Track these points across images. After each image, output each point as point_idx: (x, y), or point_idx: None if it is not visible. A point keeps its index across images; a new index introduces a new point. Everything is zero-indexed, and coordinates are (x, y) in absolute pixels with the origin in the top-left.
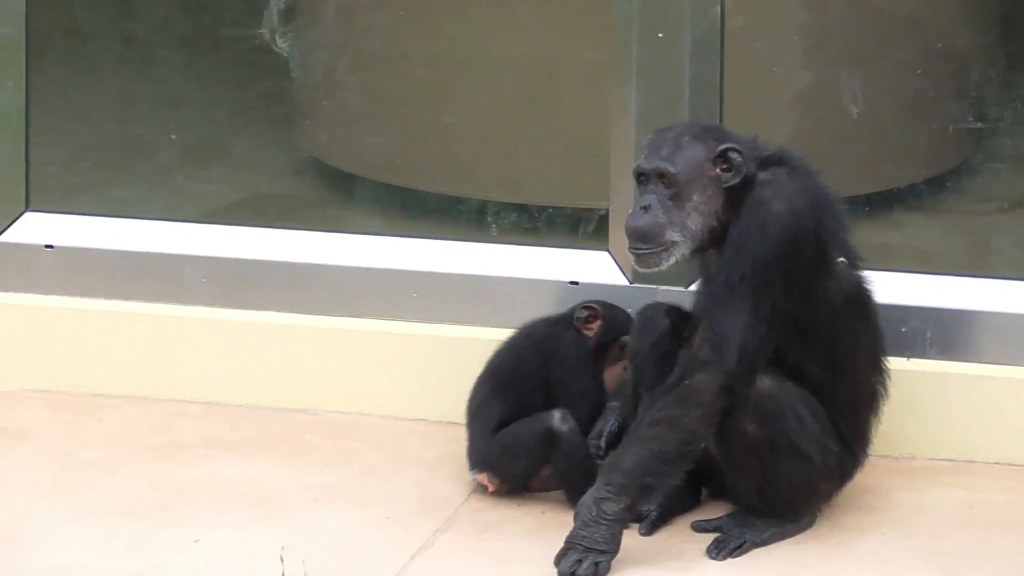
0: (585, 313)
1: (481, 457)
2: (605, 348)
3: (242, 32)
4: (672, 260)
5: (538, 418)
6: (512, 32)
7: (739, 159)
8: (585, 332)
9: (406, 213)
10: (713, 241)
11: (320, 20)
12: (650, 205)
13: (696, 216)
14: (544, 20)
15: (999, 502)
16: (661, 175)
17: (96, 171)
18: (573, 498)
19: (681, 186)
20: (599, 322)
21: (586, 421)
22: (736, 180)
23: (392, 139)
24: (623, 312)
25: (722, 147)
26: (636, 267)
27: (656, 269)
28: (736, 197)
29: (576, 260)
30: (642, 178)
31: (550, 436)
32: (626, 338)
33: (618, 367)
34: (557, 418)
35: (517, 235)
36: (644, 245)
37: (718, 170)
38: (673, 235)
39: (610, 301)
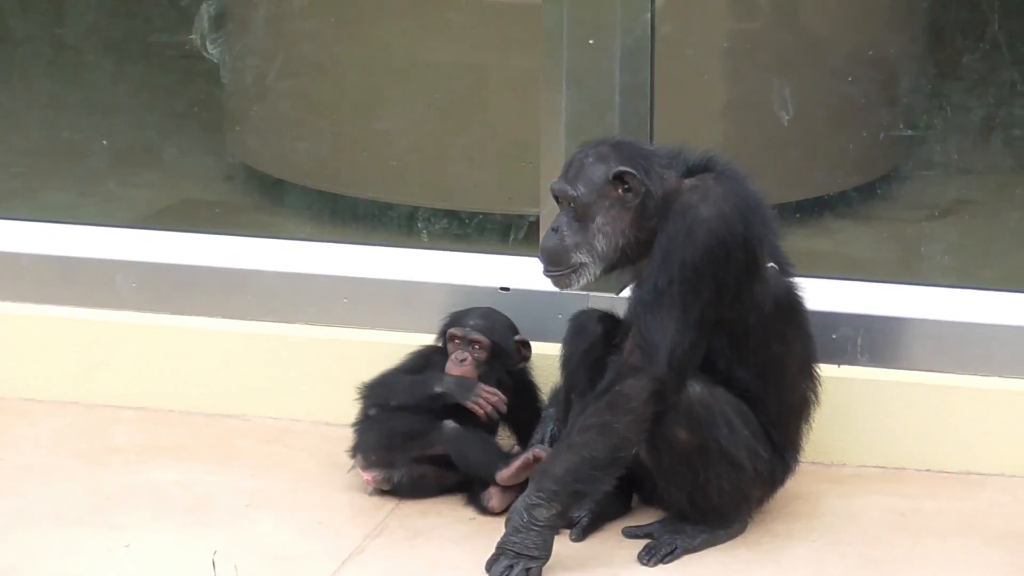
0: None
1: None
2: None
3: (172, 38)
4: (583, 281)
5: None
6: (442, 39)
7: (636, 179)
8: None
9: (337, 219)
10: (636, 255)
11: (250, 26)
12: (558, 227)
13: (601, 238)
14: (474, 27)
15: (929, 509)
16: (566, 197)
17: (27, 176)
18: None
19: (583, 208)
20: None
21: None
22: (636, 201)
23: (322, 145)
24: (462, 310)
25: (616, 170)
26: (555, 287)
27: (569, 290)
28: (661, 205)
29: (507, 266)
30: (555, 198)
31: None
32: (452, 329)
33: (452, 359)
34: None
35: (448, 241)
36: (553, 267)
37: (619, 191)
38: (580, 256)
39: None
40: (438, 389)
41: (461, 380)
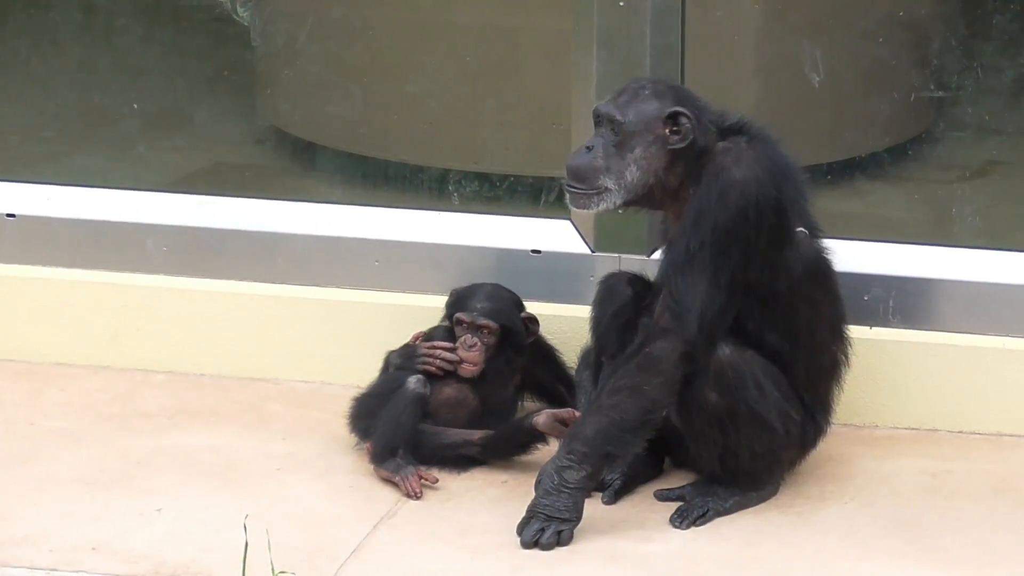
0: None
1: None
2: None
3: (203, 2)
4: (603, 206)
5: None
6: (473, 1)
7: (688, 125)
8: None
9: (368, 182)
10: (658, 200)
11: None
12: (593, 147)
13: (634, 169)
14: None
15: (962, 471)
16: (611, 120)
17: (58, 140)
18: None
19: (626, 136)
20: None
21: None
22: (681, 145)
23: (353, 108)
24: (466, 292)
25: (672, 109)
26: (568, 205)
27: (586, 211)
28: (695, 165)
29: (538, 229)
30: (597, 119)
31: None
32: (460, 314)
33: (461, 344)
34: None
35: (479, 204)
36: (578, 185)
37: (667, 131)
38: (607, 181)
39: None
40: (390, 370)
41: (404, 350)
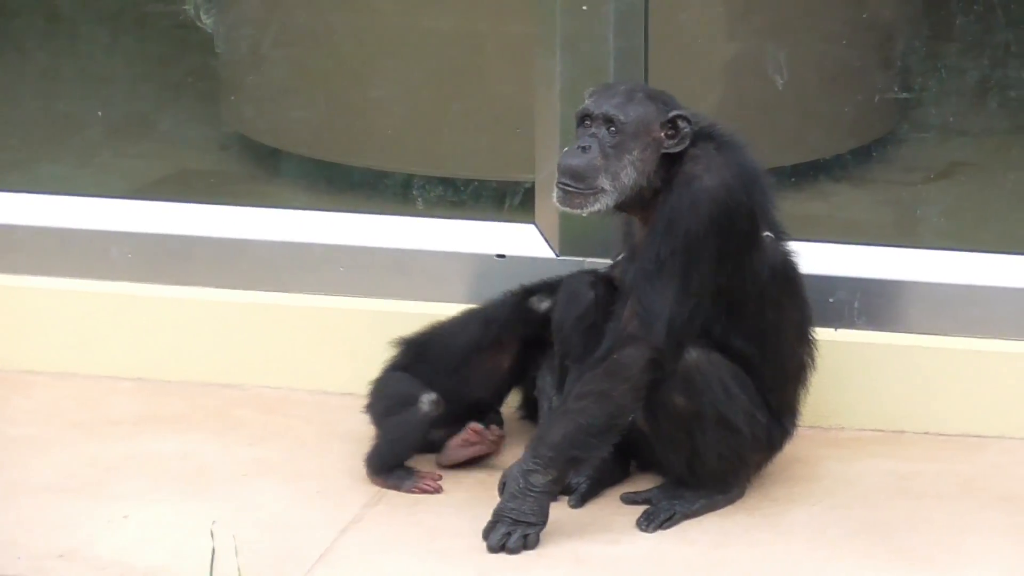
0: None
1: None
2: None
3: (166, 8)
4: (596, 207)
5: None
6: (436, 5)
7: (686, 129)
8: None
9: (332, 187)
10: (636, 205)
11: None
12: (590, 147)
13: (631, 170)
14: None
15: (929, 472)
16: (609, 120)
17: (22, 148)
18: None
19: (626, 136)
20: None
21: None
22: (678, 148)
23: (317, 114)
24: None
25: (674, 113)
26: (559, 204)
27: (579, 211)
28: (666, 170)
29: (503, 233)
30: (587, 120)
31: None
32: None
33: None
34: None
35: (443, 208)
36: (574, 184)
37: (663, 134)
38: (604, 182)
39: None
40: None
41: None
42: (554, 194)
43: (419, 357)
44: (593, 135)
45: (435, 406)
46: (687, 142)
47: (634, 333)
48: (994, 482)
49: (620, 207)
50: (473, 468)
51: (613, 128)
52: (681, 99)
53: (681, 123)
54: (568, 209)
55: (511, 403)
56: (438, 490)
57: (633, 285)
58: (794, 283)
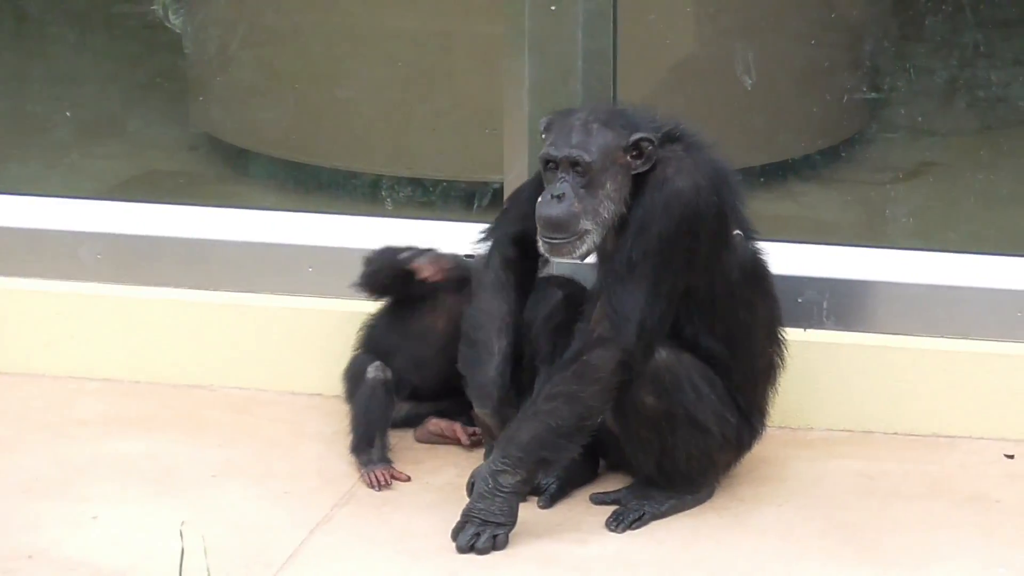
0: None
1: None
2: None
3: (135, 8)
4: (584, 249)
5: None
6: (405, 5)
7: (650, 148)
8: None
9: (301, 188)
10: (620, 223)
11: None
12: (564, 194)
13: (608, 204)
14: None
15: (897, 472)
16: (575, 163)
17: None
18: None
19: (595, 174)
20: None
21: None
22: (644, 168)
23: (286, 114)
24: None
25: (635, 137)
26: (548, 256)
27: (569, 259)
28: (637, 176)
29: (471, 233)
30: (550, 165)
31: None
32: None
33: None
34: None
35: (412, 209)
36: (559, 235)
37: (628, 157)
38: (586, 224)
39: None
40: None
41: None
42: (540, 246)
43: (374, 336)
44: (563, 180)
45: (380, 371)
46: (653, 160)
47: (604, 335)
48: (962, 482)
49: (605, 233)
50: (443, 470)
51: (580, 168)
52: (649, 100)
53: (644, 144)
54: (559, 259)
55: None
56: (373, 485)
57: (603, 286)
58: (764, 281)
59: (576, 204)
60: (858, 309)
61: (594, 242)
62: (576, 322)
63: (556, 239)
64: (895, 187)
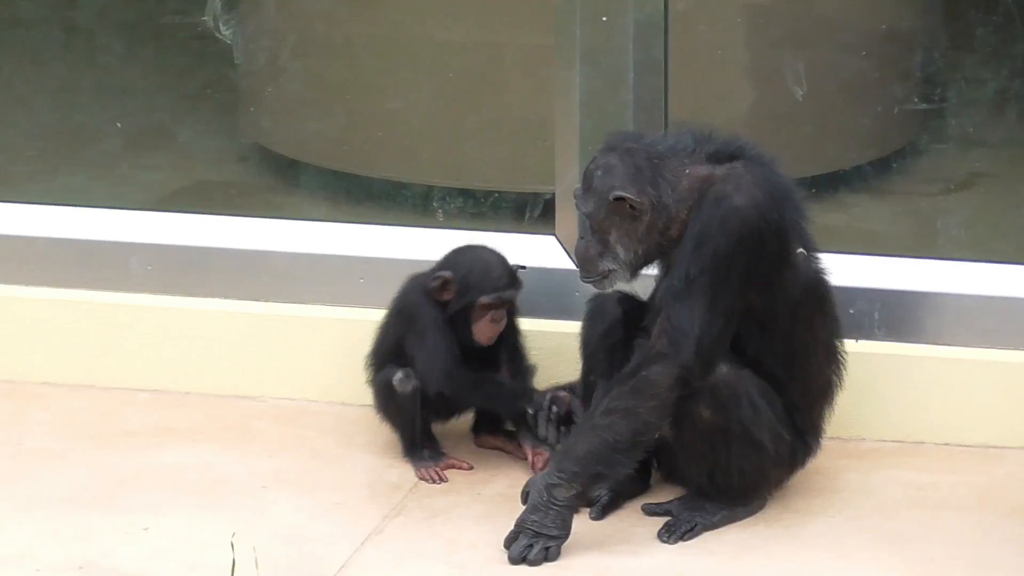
0: (436, 283)
1: None
2: (466, 311)
3: (185, 19)
4: (617, 283)
5: (384, 372)
6: (455, 17)
7: (640, 203)
8: (442, 299)
9: (351, 199)
10: (667, 248)
11: (263, 6)
12: (584, 236)
13: (620, 248)
14: (487, 4)
15: (948, 483)
16: (580, 212)
17: (40, 160)
18: (403, 447)
19: (599, 223)
20: (453, 287)
21: (443, 382)
22: (647, 217)
23: (336, 125)
24: (480, 272)
25: (615, 195)
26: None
27: (604, 290)
28: (693, 194)
29: (523, 245)
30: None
31: (389, 390)
32: (485, 298)
33: (486, 322)
34: (399, 376)
35: (463, 220)
36: (586, 274)
37: (627, 207)
38: (607, 264)
39: (476, 255)
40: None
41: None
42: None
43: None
44: (583, 222)
45: (407, 377)
46: (651, 212)
47: (662, 351)
48: (1012, 493)
49: (648, 261)
50: (494, 482)
51: (589, 216)
52: (700, 110)
53: (629, 201)
54: (597, 290)
55: None
56: (431, 480)
57: (663, 303)
58: (826, 301)
59: (592, 248)
60: (909, 320)
61: (626, 277)
62: (633, 338)
63: (585, 277)
64: (946, 198)
